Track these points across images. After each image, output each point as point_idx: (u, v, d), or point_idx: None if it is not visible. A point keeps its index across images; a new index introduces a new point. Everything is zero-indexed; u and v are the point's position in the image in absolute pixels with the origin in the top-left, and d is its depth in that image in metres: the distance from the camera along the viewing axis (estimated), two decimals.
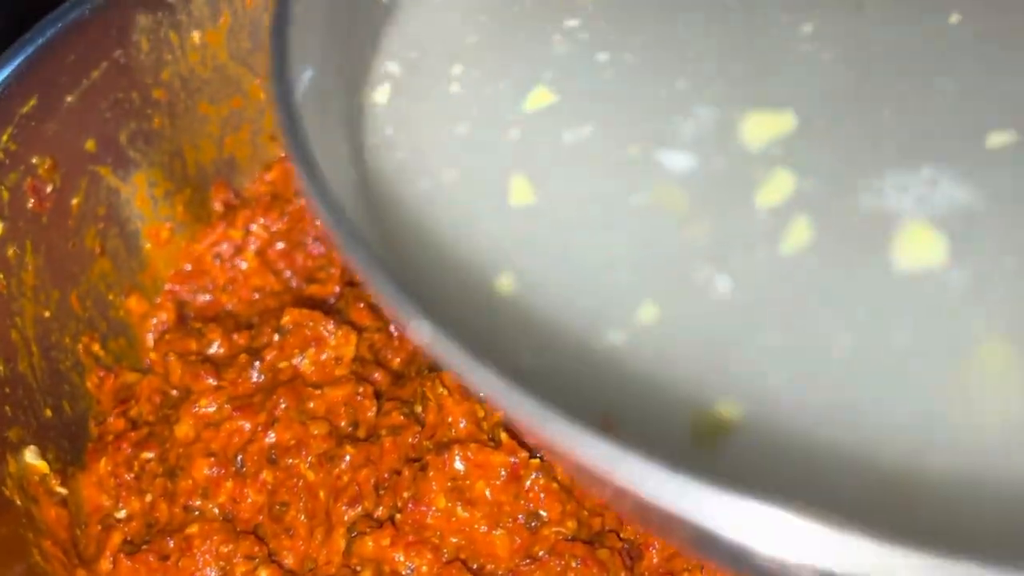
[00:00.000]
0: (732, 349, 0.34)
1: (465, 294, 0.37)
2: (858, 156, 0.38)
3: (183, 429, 0.71)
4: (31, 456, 0.69)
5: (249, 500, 0.68)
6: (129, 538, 0.69)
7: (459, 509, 0.63)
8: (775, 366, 0.34)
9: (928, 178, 0.37)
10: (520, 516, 0.63)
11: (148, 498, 0.71)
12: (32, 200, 0.68)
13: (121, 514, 0.71)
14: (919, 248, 0.36)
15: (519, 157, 0.40)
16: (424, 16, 0.46)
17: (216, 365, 0.74)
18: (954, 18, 0.42)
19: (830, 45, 0.42)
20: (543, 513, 0.64)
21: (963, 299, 0.34)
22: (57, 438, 0.71)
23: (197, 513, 0.69)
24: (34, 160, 0.68)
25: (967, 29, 0.42)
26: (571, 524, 0.64)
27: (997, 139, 0.38)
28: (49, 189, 0.70)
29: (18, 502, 0.66)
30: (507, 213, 0.39)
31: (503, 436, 0.65)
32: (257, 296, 0.81)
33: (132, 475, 0.71)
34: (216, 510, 0.69)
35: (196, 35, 0.75)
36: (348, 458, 0.67)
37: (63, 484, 0.70)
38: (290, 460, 0.68)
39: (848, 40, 0.42)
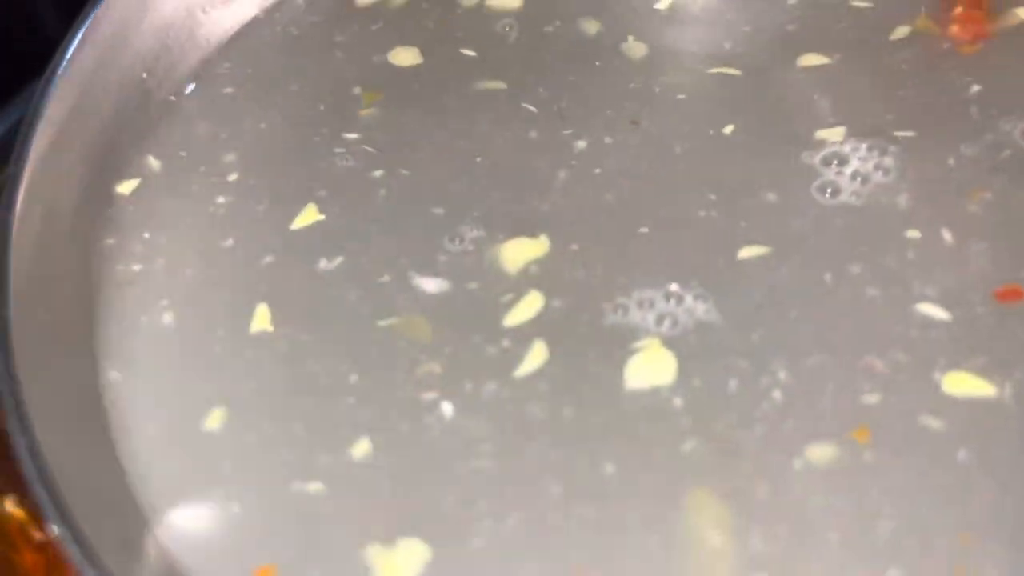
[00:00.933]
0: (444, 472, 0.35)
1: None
2: (610, 276, 0.39)
3: None
4: (10, 505, 0.69)
5: None
6: None
7: None
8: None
9: (673, 294, 0.38)
10: None
11: None
12: None
13: None
14: (651, 367, 0.37)
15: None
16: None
17: None
18: (728, 128, 0.44)
19: (600, 160, 0.44)
20: None
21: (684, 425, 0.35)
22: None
23: None
24: None
25: (741, 137, 0.44)
26: None
27: (748, 252, 0.40)
28: None
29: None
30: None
31: None
32: None
33: None
34: None
35: None
36: None
37: (41, 530, 0.70)
38: None
39: (616, 155, 0.44)
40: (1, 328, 0.36)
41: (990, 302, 0.37)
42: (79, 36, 0.44)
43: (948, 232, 0.39)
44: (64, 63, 0.43)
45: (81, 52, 0.44)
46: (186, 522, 0.35)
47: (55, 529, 0.32)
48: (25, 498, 0.67)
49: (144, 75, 0.48)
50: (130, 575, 0.33)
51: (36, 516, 0.66)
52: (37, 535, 0.68)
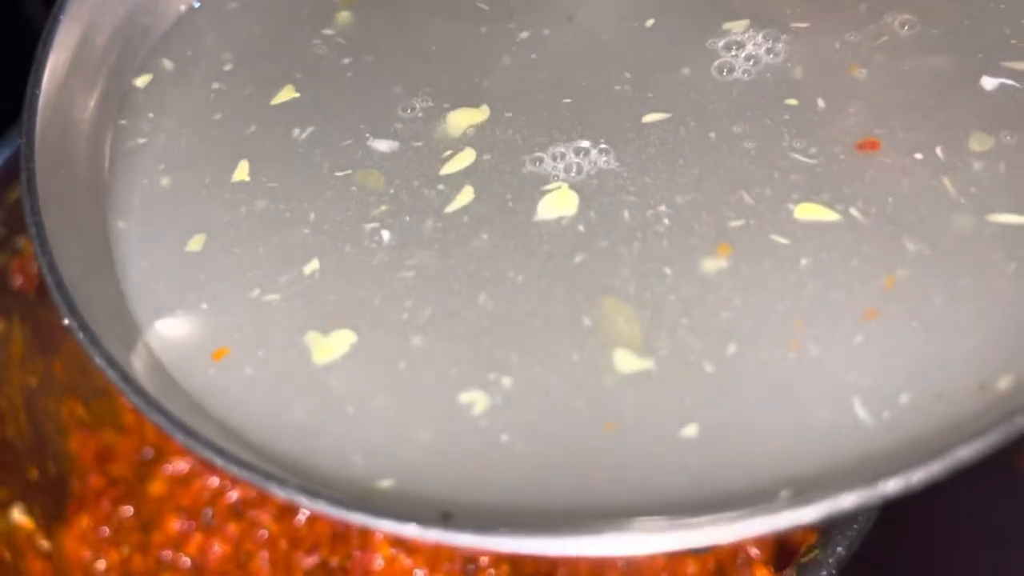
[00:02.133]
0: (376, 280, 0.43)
1: None
2: (532, 136, 0.47)
3: (156, 486, 0.78)
4: (18, 514, 0.74)
5: (217, 550, 0.76)
6: None
7: (402, 556, 0.70)
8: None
9: (581, 149, 0.46)
10: (458, 562, 0.70)
11: (125, 550, 0.78)
12: (20, 279, 0.74)
13: (101, 566, 0.77)
14: (558, 202, 0.44)
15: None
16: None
17: None
18: (649, 22, 0.52)
19: (538, 48, 0.51)
20: (482, 558, 0.71)
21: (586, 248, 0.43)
22: (42, 496, 0.77)
23: (169, 564, 0.77)
24: (21, 243, 0.74)
25: (660, 29, 0.51)
26: (505, 568, 0.71)
27: (651, 117, 0.47)
28: (36, 269, 0.74)
29: (7, 557, 0.72)
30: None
31: None
32: None
33: (111, 529, 0.79)
34: (187, 560, 0.76)
35: None
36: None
37: (47, 538, 0.76)
38: (254, 512, 0.76)
39: (552, 43, 0.51)
40: (29, 178, 0.44)
41: (850, 152, 0.44)
42: None
43: (822, 99, 0.46)
44: None
45: None
46: (166, 327, 0.44)
47: (66, 321, 0.40)
48: (31, 507, 0.74)
49: None
50: (124, 361, 0.40)
51: (42, 525, 0.73)
52: (44, 543, 0.75)
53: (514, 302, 0.41)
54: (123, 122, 0.51)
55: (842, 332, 0.38)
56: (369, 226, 0.44)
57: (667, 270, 0.41)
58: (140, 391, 0.38)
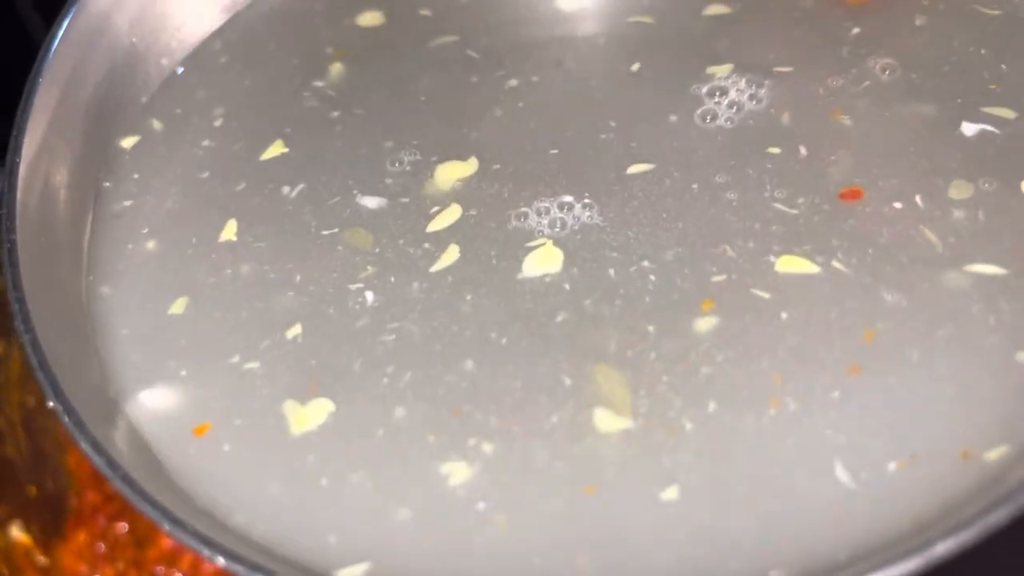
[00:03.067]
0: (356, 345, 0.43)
1: None
2: (518, 190, 0.48)
3: None
4: (16, 531, 0.75)
5: (208, 566, 0.77)
6: None
7: None
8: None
9: (565, 204, 0.47)
10: None
11: (120, 566, 0.79)
12: None
13: None
14: (542, 260, 0.45)
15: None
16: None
17: None
18: (635, 67, 0.52)
19: (526, 96, 0.52)
20: None
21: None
22: (40, 512, 0.77)
23: None
24: None
25: (645, 74, 0.52)
26: None
27: (635, 168, 0.48)
28: None
29: (5, 573, 0.72)
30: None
31: None
32: None
33: (106, 545, 0.80)
34: None
35: None
36: None
37: (45, 555, 0.76)
38: None
39: (540, 90, 0.52)
40: (11, 249, 0.45)
41: (833, 201, 0.45)
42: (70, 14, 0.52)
43: (804, 147, 0.47)
44: (60, 32, 0.52)
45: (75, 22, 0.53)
46: (146, 399, 0.44)
47: (51, 404, 0.40)
48: (30, 523, 0.75)
49: (134, 40, 0.57)
50: (107, 440, 0.41)
51: (40, 541, 0.74)
52: (41, 559, 0.76)
53: (496, 365, 0.42)
54: (107, 184, 0.52)
55: (822, 388, 0.39)
56: (354, 287, 0.45)
57: (650, 328, 0.42)
58: (127, 478, 0.38)
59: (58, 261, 0.48)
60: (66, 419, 0.40)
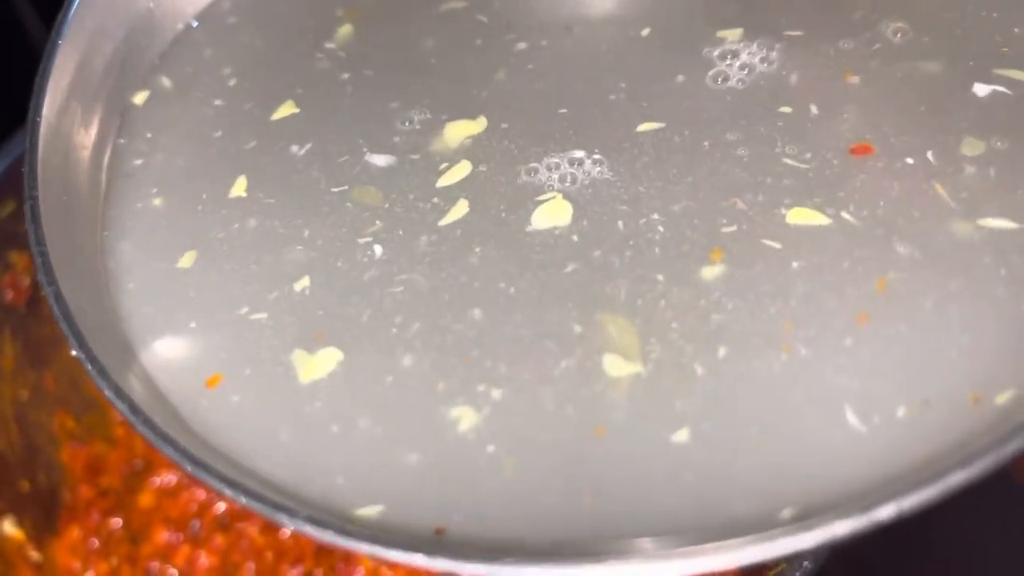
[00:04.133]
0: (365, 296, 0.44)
1: None
2: (528, 147, 0.48)
3: (145, 498, 0.80)
4: (9, 526, 0.76)
5: (204, 562, 0.77)
6: None
7: (384, 569, 0.72)
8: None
9: (576, 159, 0.47)
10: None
11: (114, 561, 0.79)
12: (11, 293, 0.76)
13: None
14: (552, 213, 0.46)
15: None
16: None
17: None
18: (646, 31, 0.53)
19: (535, 59, 0.52)
20: None
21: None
22: (33, 508, 0.78)
23: (157, 575, 0.78)
24: (12, 258, 0.75)
25: (655, 38, 0.52)
26: None
27: (646, 127, 0.48)
28: (26, 283, 0.76)
29: None
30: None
31: None
32: None
33: (100, 541, 0.80)
34: (175, 572, 0.77)
35: None
36: None
37: (38, 550, 0.77)
38: (240, 525, 0.77)
39: (549, 54, 0.53)
40: (33, 206, 0.46)
41: (844, 156, 0.45)
42: None
43: (816, 106, 0.47)
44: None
45: None
46: (158, 350, 0.45)
47: (75, 353, 0.41)
48: (22, 519, 0.75)
49: (151, 6, 0.57)
50: (127, 388, 0.41)
51: (33, 536, 0.75)
52: (34, 554, 0.77)
53: (504, 314, 0.42)
54: (122, 141, 0.52)
55: (833, 335, 0.39)
56: (362, 240, 0.45)
57: (659, 276, 0.42)
58: (148, 422, 0.39)
59: (76, 217, 0.48)
60: (89, 367, 0.41)
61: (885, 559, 0.71)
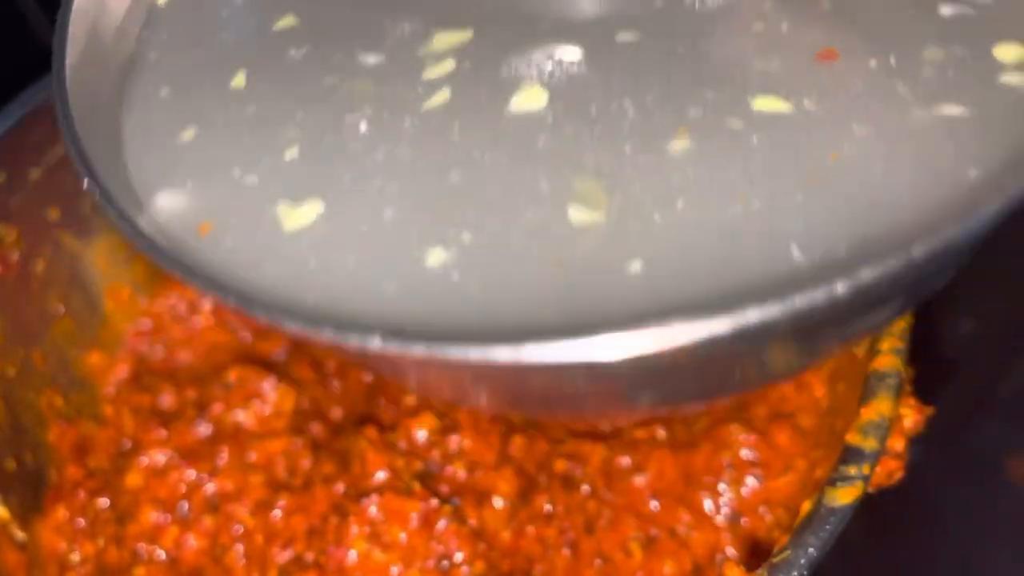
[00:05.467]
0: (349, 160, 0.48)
1: None
2: (510, 47, 0.52)
3: (133, 478, 0.80)
4: None
5: (192, 544, 0.78)
6: None
7: (376, 552, 0.73)
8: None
9: (556, 59, 0.51)
10: (432, 559, 0.73)
11: (100, 542, 0.79)
12: None
13: (75, 558, 0.79)
14: (528, 98, 0.49)
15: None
16: None
17: (165, 418, 0.84)
18: None
19: None
20: (457, 555, 0.74)
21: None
22: (19, 487, 0.79)
23: (144, 557, 0.79)
24: (0, 231, 0.77)
25: None
26: (481, 565, 0.73)
27: (624, 36, 0.52)
28: (15, 257, 0.79)
29: None
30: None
31: (416, 486, 0.75)
32: (211, 351, 0.91)
33: (86, 521, 0.80)
34: (162, 554, 0.78)
35: None
36: (282, 505, 0.77)
37: (23, 529, 0.78)
38: (230, 506, 0.78)
39: None
40: (60, 85, 0.51)
41: (809, 60, 0.48)
42: None
43: (786, 24, 0.51)
44: None
45: None
46: (160, 201, 0.49)
47: (86, 185, 0.46)
48: (8, 498, 0.76)
49: None
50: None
51: (18, 516, 0.76)
52: (19, 534, 0.78)
53: (478, 174, 0.46)
54: (145, 34, 0.58)
55: (785, 192, 0.42)
56: (350, 119, 0.49)
57: (626, 147, 0.45)
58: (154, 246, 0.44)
59: (98, 93, 0.53)
60: (107, 205, 0.46)
61: (884, 558, 0.72)
